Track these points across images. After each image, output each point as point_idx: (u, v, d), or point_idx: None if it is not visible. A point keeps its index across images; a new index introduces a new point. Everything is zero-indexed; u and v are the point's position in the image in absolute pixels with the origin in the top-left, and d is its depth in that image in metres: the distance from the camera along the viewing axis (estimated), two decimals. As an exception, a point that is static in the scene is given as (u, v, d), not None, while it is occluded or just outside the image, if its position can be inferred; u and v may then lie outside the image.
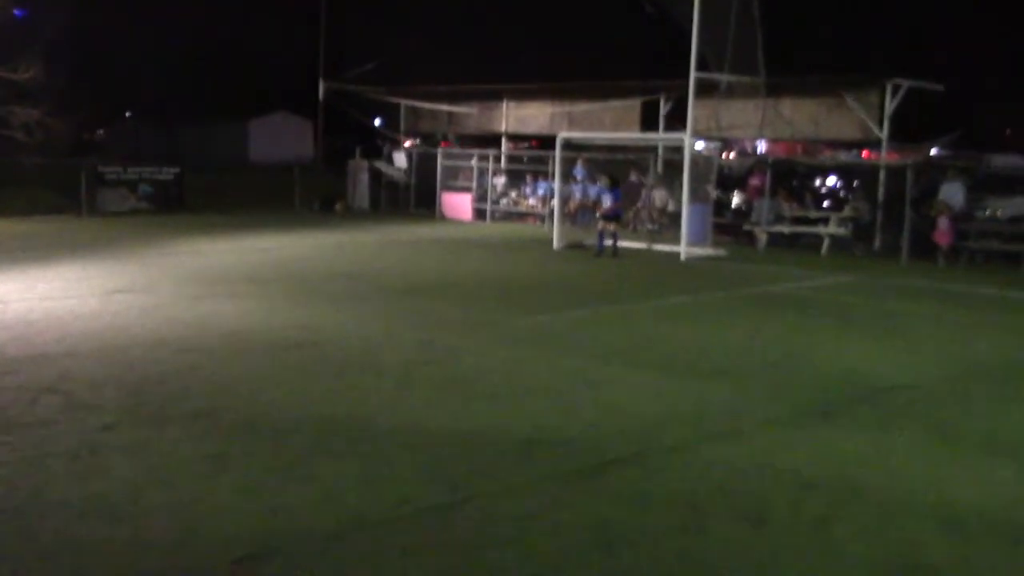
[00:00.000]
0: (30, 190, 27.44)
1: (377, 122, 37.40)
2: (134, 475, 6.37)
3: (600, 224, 20.27)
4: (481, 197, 29.64)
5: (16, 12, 30.85)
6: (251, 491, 6.15)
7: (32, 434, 7.16)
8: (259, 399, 8.34)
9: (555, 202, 22.99)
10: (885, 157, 23.75)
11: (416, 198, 31.84)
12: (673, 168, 23.67)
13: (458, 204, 29.99)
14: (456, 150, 32.04)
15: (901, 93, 22.90)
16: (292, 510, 5.85)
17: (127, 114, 74.37)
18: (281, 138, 67.49)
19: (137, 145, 63.47)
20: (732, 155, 30.40)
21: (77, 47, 41.92)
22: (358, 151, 32.96)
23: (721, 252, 20.77)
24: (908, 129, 28.68)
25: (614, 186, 20.29)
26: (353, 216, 29.86)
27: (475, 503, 6.07)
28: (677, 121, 25.86)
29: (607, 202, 20.05)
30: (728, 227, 23.63)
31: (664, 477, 6.66)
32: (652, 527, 5.78)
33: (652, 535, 5.66)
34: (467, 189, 30.11)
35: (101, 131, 71.97)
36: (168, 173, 28.94)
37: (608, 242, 19.85)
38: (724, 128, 24.75)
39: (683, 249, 20.03)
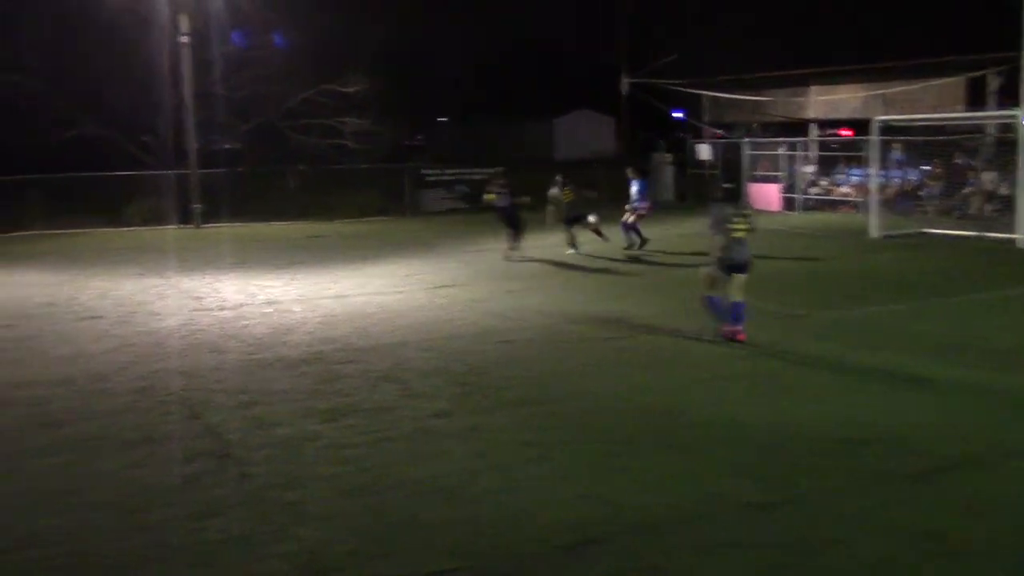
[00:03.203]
0: (360, 194, 29.84)
1: (679, 115, 37.20)
2: (466, 459, 6.78)
3: None
4: (790, 186, 28.70)
5: (235, 37, 33.17)
6: (574, 478, 6.36)
7: (374, 418, 7.81)
8: (577, 389, 8.59)
9: (872, 189, 21.84)
10: None
11: (722, 189, 31.30)
12: (1005, 148, 21.70)
13: (766, 194, 29.20)
14: (763, 139, 31.24)
15: None
16: (613, 500, 5.98)
17: (441, 119, 78.78)
18: (584, 135, 68.94)
19: (451, 147, 67.18)
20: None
21: (396, 59, 44.99)
22: (662, 144, 32.94)
23: (1065, 238, 18.81)
24: None
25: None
26: (659, 209, 29.88)
27: (797, 502, 5.91)
28: (1008, 97, 23.75)
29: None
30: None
31: (1008, 484, 6.16)
32: (996, 537, 5.36)
33: (997, 545, 5.25)
34: (775, 179, 29.27)
35: (420, 136, 76.75)
36: (481, 173, 30.37)
37: None
38: (1066, 101, 22.34)
39: (1020, 235, 18.37)
